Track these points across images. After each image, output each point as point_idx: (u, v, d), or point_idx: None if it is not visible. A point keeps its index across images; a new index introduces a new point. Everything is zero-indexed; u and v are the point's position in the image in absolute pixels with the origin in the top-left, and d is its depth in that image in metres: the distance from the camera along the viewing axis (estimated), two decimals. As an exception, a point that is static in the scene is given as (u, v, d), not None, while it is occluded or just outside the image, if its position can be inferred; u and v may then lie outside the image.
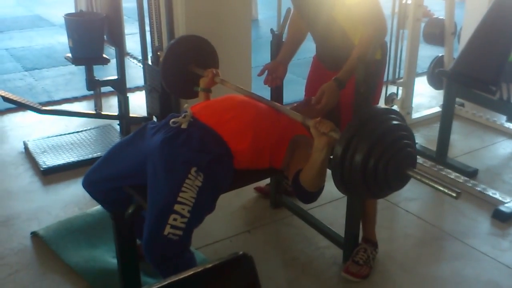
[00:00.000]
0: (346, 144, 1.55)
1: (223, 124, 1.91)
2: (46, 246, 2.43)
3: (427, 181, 1.51)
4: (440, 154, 3.28)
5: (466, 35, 3.73)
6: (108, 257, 2.34)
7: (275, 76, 2.37)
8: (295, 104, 2.20)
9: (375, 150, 1.52)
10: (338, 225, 2.46)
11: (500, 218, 2.72)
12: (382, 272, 2.34)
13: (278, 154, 1.93)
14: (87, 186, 2.01)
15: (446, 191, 1.46)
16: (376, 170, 1.53)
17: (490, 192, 2.91)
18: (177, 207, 1.69)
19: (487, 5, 3.59)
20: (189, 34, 2.57)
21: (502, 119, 3.85)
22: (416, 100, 4.13)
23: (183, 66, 2.40)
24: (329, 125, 1.67)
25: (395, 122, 1.61)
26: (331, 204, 2.83)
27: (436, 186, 1.48)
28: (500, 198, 2.85)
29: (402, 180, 1.60)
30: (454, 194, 1.44)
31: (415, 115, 4.00)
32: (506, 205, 2.79)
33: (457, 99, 3.51)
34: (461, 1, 4.85)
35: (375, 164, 1.52)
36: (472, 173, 3.16)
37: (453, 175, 3.10)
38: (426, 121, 3.98)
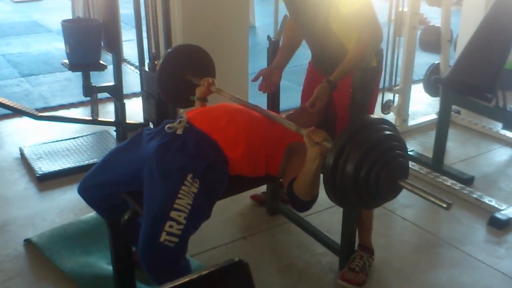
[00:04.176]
0: (338, 153, 1.54)
1: (218, 130, 1.91)
2: (41, 252, 2.42)
3: (418, 192, 1.51)
4: (436, 161, 3.28)
5: (462, 43, 3.74)
6: (103, 264, 2.33)
7: (269, 82, 2.38)
8: (291, 112, 2.19)
9: (366, 159, 1.52)
10: (335, 232, 2.45)
11: (496, 225, 2.73)
12: (379, 279, 2.34)
13: (275, 162, 1.94)
14: (82, 192, 2.00)
15: (437, 202, 1.46)
16: (368, 180, 1.53)
17: (486, 199, 2.91)
18: (173, 214, 1.69)
19: (483, 12, 3.62)
20: (186, 44, 2.57)
21: (498, 127, 3.86)
22: (413, 107, 4.14)
23: (179, 75, 2.40)
24: (322, 134, 1.67)
25: (387, 132, 1.62)
26: (328, 211, 2.82)
27: (427, 197, 1.48)
28: (496, 205, 2.85)
29: (394, 190, 1.60)
30: (444, 205, 1.45)
31: (412, 122, 4.01)
32: (502, 212, 2.79)
33: (453, 107, 3.52)
34: (457, 9, 4.87)
35: (366, 174, 1.52)
36: (468, 180, 3.16)
37: (449, 182, 3.10)
38: (422, 128, 3.99)
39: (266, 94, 2.51)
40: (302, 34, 2.34)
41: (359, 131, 1.58)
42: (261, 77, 2.38)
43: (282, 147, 1.94)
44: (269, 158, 1.93)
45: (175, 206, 1.69)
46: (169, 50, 2.48)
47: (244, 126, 1.93)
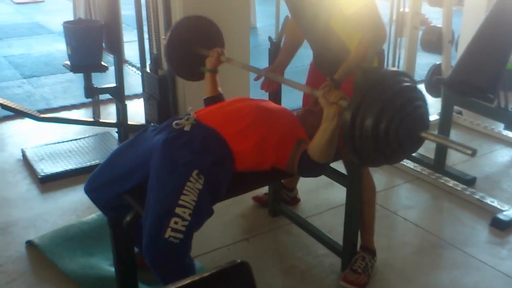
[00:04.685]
0: (355, 110, 1.51)
1: (226, 126, 1.92)
2: (43, 254, 2.42)
3: (441, 141, 1.50)
4: (438, 162, 3.27)
5: (463, 43, 3.74)
6: (105, 265, 2.32)
7: (271, 81, 2.38)
8: (295, 113, 2.19)
9: (385, 113, 1.49)
10: (337, 233, 2.45)
11: (499, 226, 2.72)
12: (381, 281, 2.33)
13: (282, 154, 1.93)
14: (89, 191, 2.00)
15: (461, 149, 1.46)
16: (388, 134, 1.50)
17: (489, 200, 2.91)
18: (178, 210, 1.69)
19: (484, 13, 3.61)
20: (191, 16, 2.48)
21: (500, 127, 3.86)
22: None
23: (188, 47, 2.37)
24: (338, 94, 1.67)
25: (404, 84, 1.58)
26: (330, 212, 2.82)
27: (450, 145, 1.48)
28: (498, 206, 2.85)
29: (415, 142, 1.57)
30: (469, 152, 1.44)
31: (413, 123, 4.00)
32: (504, 213, 2.78)
33: (455, 107, 3.52)
34: (459, 9, 4.87)
35: (386, 128, 1.50)
36: (470, 181, 3.15)
37: (451, 183, 3.10)
38: (424, 129, 3.98)
39: (267, 93, 2.51)
40: (304, 35, 2.33)
41: (375, 85, 1.55)
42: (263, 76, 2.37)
43: (290, 141, 1.94)
44: (276, 151, 1.92)
45: (180, 202, 1.70)
46: (175, 23, 2.43)
47: (253, 121, 1.94)
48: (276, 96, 2.55)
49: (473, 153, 1.43)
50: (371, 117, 1.49)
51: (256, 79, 2.40)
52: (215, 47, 2.29)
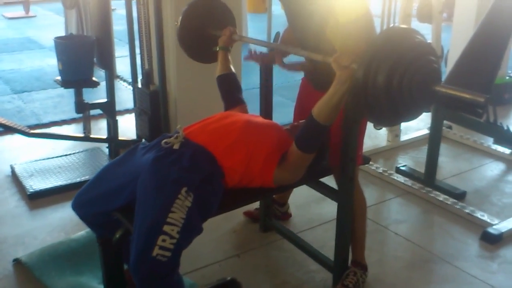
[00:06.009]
0: (367, 67, 1.51)
1: (215, 142, 1.92)
2: (31, 272, 2.38)
3: (454, 93, 1.52)
4: (429, 176, 3.29)
5: (453, 59, 3.78)
6: (94, 283, 2.29)
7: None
8: (287, 127, 2.19)
9: (397, 68, 1.49)
10: (328, 248, 2.44)
11: (489, 240, 2.73)
12: (372, 296, 2.33)
13: (270, 167, 1.93)
14: (76, 208, 1.98)
15: (474, 97, 1.49)
16: (401, 89, 1.49)
17: (479, 214, 2.92)
18: (166, 227, 1.68)
19: (473, 28, 3.65)
20: None
21: (489, 141, 3.89)
22: (404, 122, 4.15)
23: (200, 29, 2.40)
24: (350, 57, 1.67)
25: (415, 39, 1.58)
26: (321, 227, 2.82)
27: (463, 95, 1.50)
28: (488, 220, 2.86)
29: (428, 97, 1.57)
30: (482, 99, 1.46)
31: (404, 137, 4.03)
32: (494, 227, 2.79)
33: (445, 122, 3.54)
34: (448, 25, 4.93)
35: (399, 83, 1.49)
36: (460, 195, 3.17)
37: (441, 197, 3.11)
38: (414, 143, 4.00)
39: (259, 105, 2.51)
40: (297, 42, 2.33)
41: (385, 43, 1.55)
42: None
43: (279, 155, 1.94)
44: (265, 166, 1.92)
45: (168, 220, 1.69)
46: (187, 7, 2.45)
47: (241, 135, 1.94)
48: (267, 108, 2.56)
49: (485, 100, 1.46)
50: (383, 73, 1.49)
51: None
52: (226, 27, 2.32)
